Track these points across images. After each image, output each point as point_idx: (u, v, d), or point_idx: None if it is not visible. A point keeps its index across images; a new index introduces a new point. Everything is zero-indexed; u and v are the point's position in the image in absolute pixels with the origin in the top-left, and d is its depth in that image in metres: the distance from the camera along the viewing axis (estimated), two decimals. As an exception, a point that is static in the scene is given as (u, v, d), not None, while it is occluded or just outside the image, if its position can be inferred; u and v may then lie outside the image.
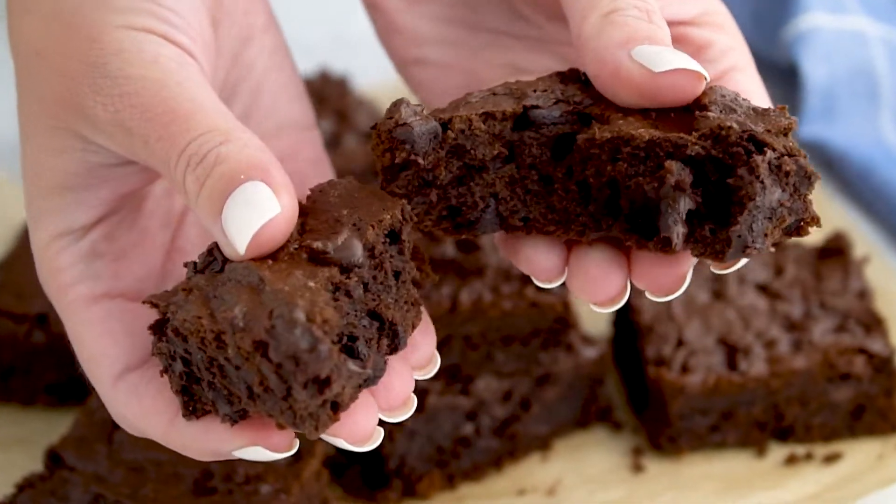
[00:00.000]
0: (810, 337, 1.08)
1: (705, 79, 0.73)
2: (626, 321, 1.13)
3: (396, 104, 0.74)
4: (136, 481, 0.93)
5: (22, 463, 1.03)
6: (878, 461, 1.08)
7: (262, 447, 0.74)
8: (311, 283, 0.69)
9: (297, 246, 0.72)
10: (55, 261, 0.78)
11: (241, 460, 0.91)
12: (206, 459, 0.76)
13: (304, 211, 0.75)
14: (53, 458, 0.95)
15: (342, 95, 1.31)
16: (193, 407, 0.74)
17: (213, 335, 0.69)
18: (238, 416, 0.73)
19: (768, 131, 0.72)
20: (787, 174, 0.71)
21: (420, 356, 0.78)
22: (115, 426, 0.96)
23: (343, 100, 1.31)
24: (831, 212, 1.28)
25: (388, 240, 0.74)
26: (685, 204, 0.71)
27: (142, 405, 0.76)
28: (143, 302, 0.73)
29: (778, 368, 1.06)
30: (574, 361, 1.08)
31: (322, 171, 0.86)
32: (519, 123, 0.75)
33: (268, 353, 0.67)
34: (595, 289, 0.75)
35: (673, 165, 0.71)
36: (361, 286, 0.72)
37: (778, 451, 1.09)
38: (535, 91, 0.76)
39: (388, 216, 0.73)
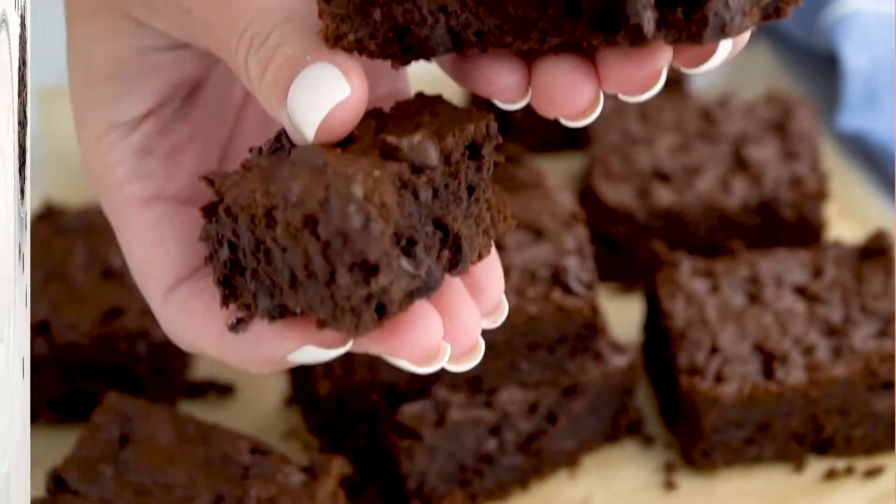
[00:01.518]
0: (851, 343, 1.07)
1: None
2: (658, 326, 1.11)
3: None
4: (145, 505, 0.93)
5: (24, 484, 1.03)
6: (921, 475, 1.09)
7: (314, 345, 0.71)
8: (377, 173, 0.67)
9: (370, 143, 0.70)
10: (105, 156, 0.76)
11: (255, 481, 0.91)
12: (264, 370, 0.74)
13: (385, 117, 0.74)
14: (56, 480, 0.94)
15: None
16: (232, 300, 0.72)
17: (265, 210, 0.67)
18: (278, 312, 0.71)
19: None
20: None
21: (488, 300, 0.75)
22: (122, 445, 0.95)
23: None
24: (873, 209, 1.28)
25: (467, 151, 0.73)
26: None
27: (191, 320, 0.75)
28: (200, 178, 0.72)
29: (817, 377, 1.05)
30: (603, 370, 1.07)
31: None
32: None
33: (317, 231, 0.66)
34: (565, 99, 0.71)
35: None
36: (431, 191, 0.70)
37: (817, 466, 1.09)
38: None
39: (472, 127, 0.72)
